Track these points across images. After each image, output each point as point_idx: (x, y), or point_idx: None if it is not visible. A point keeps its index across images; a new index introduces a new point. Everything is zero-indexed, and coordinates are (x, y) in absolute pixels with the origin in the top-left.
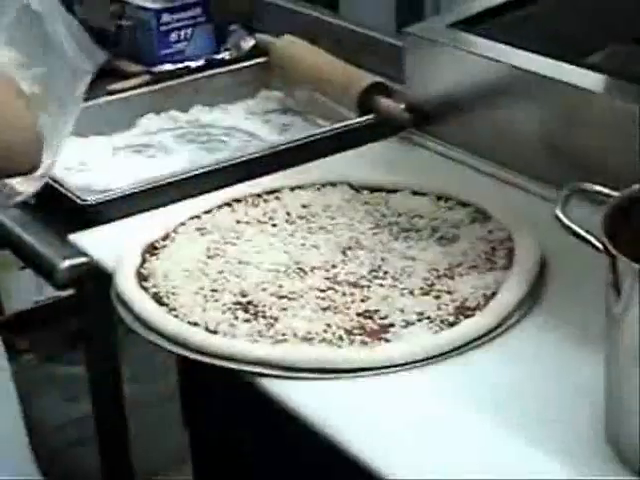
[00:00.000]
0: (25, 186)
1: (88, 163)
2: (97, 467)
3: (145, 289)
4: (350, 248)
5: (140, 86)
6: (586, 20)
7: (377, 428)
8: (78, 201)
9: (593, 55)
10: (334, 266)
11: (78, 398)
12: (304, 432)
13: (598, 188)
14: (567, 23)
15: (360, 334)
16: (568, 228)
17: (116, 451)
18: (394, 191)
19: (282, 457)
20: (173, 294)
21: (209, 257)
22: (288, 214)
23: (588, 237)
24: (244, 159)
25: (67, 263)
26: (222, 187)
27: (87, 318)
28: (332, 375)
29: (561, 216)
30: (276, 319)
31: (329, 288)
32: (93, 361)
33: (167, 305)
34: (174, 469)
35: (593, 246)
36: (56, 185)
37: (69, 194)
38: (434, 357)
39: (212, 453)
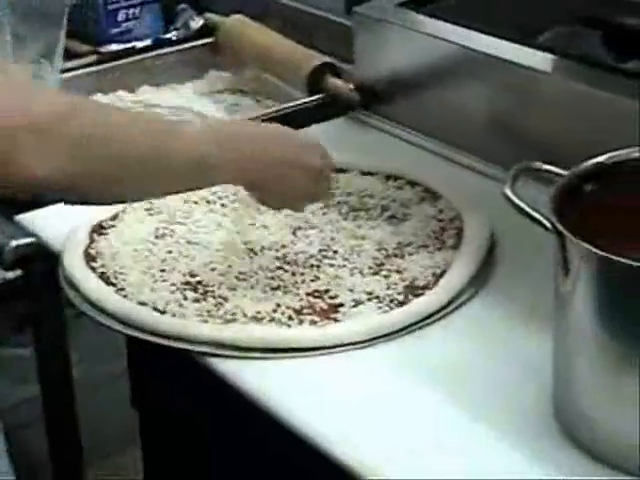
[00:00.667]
0: None
1: None
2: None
3: (93, 269)
4: (300, 228)
5: (88, 66)
6: (533, 1)
7: (327, 407)
8: None
9: (540, 35)
10: (284, 246)
11: (28, 380)
12: (252, 411)
13: (547, 167)
14: (514, 4)
15: (310, 314)
16: (516, 206)
17: (65, 433)
18: (343, 171)
19: (233, 436)
20: (121, 274)
21: (158, 237)
22: (236, 194)
23: (537, 216)
24: None
25: (14, 243)
26: None
27: (35, 299)
28: (282, 355)
29: (509, 194)
30: (225, 299)
31: (279, 268)
32: (41, 342)
33: (115, 285)
34: (124, 450)
35: (542, 225)
36: None
37: None
38: (383, 336)
39: (161, 434)
